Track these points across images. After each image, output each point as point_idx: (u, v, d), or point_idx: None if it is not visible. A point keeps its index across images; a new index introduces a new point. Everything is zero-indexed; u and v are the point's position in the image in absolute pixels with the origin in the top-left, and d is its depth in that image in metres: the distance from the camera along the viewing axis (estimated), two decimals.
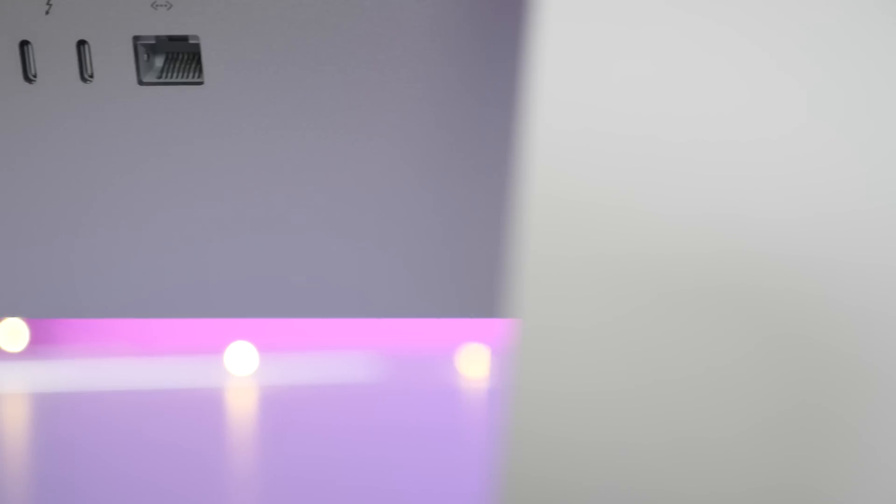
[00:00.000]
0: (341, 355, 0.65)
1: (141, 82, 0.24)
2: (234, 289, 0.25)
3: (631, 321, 0.14)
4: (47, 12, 0.23)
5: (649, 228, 0.14)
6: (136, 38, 0.23)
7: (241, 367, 0.64)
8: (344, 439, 0.60)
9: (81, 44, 0.23)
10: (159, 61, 0.24)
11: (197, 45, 0.23)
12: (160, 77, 0.24)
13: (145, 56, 0.23)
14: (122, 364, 0.64)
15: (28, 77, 0.24)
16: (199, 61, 0.24)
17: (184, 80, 0.24)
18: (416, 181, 0.24)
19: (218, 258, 0.25)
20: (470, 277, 0.24)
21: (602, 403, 0.14)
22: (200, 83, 0.24)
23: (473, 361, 0.65)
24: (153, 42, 0.23)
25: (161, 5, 0.23)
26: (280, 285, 0.25)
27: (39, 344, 0.65)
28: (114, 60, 0.23)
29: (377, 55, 0.23)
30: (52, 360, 0.65)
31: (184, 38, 0.23)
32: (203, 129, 0.24)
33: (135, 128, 0.24)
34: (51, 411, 0.65)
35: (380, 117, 0.24)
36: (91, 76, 0.24)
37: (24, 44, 0.23)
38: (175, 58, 0.24)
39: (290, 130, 0.24)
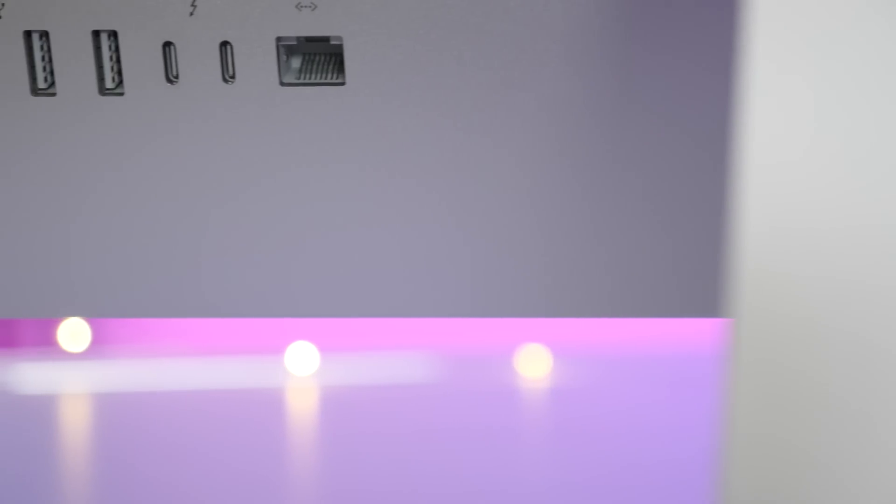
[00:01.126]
0: (401, 355, 0.65)
1: (282, 83, 0.24)
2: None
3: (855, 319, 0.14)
4: (191, 14, 0.23)
5: (870, 229, 0.14)
6: (278, 39, 0.23)
7: (301, 366, 0.64)
8: (404, 440, 0.60)
9: (224, 45, 0.23)
10: (296, 62, 0.24)
11: (337, 46, 0.24)
12: (299, 78, 0.24)
13: (284, 57, 0.24)
14: (182, 364, 0.65)
15: (170, 78, 0.24)
16: (339, 62, 0.24)
17: (325, 80, 0.24)
18: (557, 182, 0.24)
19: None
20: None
21: (829, 405, 0.14)
22: (342, 84, 0.24)
23: (532, 361, 0.65)
24: (293, 43, 0.24)
25: (306, 6, 0.23)
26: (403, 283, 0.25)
27: (101, 344, 0.65)
28: (255, 62, 0.23)
29: (520, 56, 0.23)
30: (113, 360, 0.65)
31: (324, 39, 0.23)
32: (344, 130, 0.24)
33: (276, 128, 0.24)
34: (112, 412, 0.65)
35: (522, 118, 0.24)
36: (232, 77, 0.24)
37: (167, 45, 0.23)
38: (313, 58, 0.24)
39: (430, 132, 0.24)
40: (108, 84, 0.24)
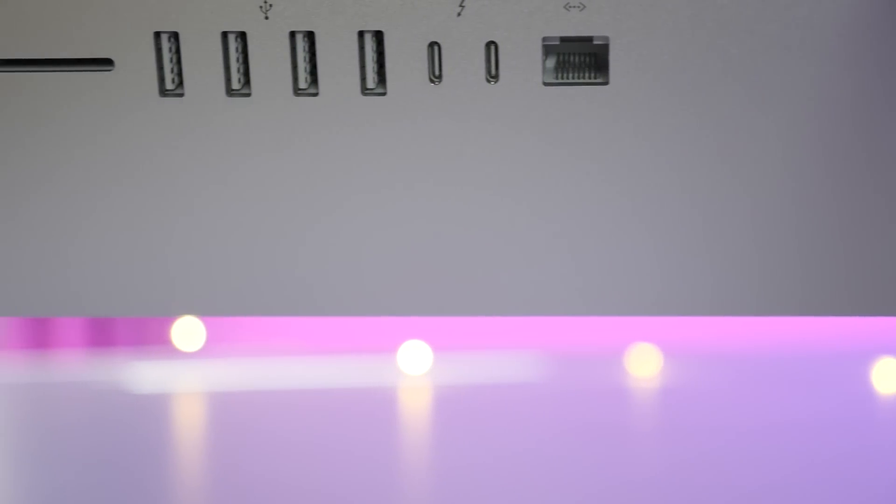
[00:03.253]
0: (513, 354, 0.65)
1: (545, 83, 0.24)
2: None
3: None
4: (459, 14, 0.23)
5: None
6: (544, 39, 0.23)
7: (414, 365, 0.64)
8: (515, 439, 0.60)
9: (490, 45, 0.24)
10: (551, 62, 0.24)
11: (599, 46, 0.24)
12: (558, 77, 0.24)
13: (545, 57, 0.24)
14: (296, 363, 0.65)
15: (432, 77, 0.24)
16: (600, 62, 0.24)
17: (588, 80, 0.24)
18: (816, 184, 0.24)
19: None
20: None
21: None
22: (605, 83, 0.24)
23: (642, 361, 0.65)
24: (556, 43, 0.24)
25: (574, 6, 0.23)
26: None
27: (216, 343, 0.65)
28: (519, 62, 0.24)
29: (787, 58, 0.23)
30: (227, 359, 0.65)
31: (587, 39, 0.24)
32: (607, 130, 0.24)
33: (538, 128, 0.24)
34: (226, 410, 0.65)
35: (786, 122, 0.24)
36: (495, 77, 0.24)
37: (432, 45, 0.24)
38: (567, 58, 0.24)
39: (691, 133, 0.24)
40: (370, 84, 0.24)
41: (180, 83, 0.24)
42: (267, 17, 0.24)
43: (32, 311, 0.26)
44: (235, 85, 0.24)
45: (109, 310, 0.26)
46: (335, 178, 0.25)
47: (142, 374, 0.65)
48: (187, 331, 0.65)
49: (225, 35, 0.24)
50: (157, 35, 0.24)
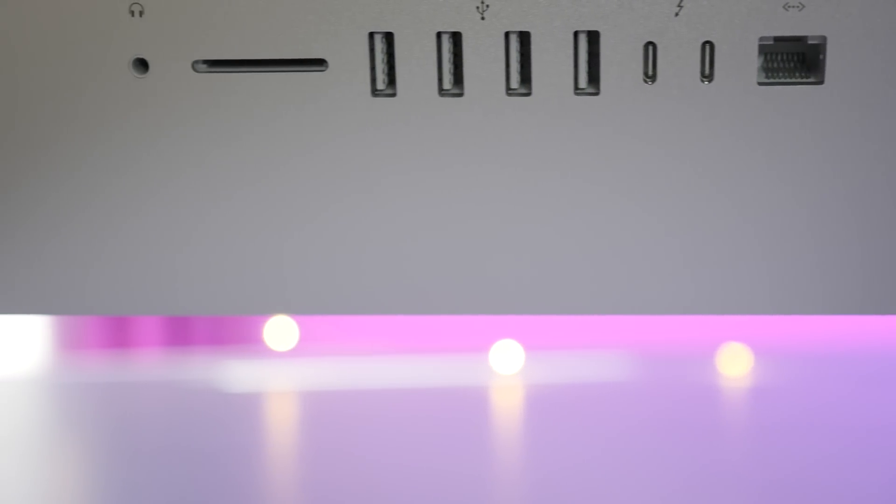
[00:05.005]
0: (605, 353, 0.65)
1: (760, 83, 0.24)
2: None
3: None
4: (677, 14, 0.23)
5: None
6: (760, 39, 0.23)
7: (506, 365, 0.64)
8: (607, 438, 0.60)
9: (705, 44, 0.24)
10: (763, 60, 0.24)
11: (809, 46, 0.24)
12: (770, 77, 0.24)
13: (760, 56, 0.24)
14: (388, 362, 0.65)
15: (646, 77, 0.24)
16: (809, 61, 0.24)
17: (801, 80, 0.24)
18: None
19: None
20: None
21: None
22: (819, 83, 0.24)
23: (733, 360, 0.65)
24: (770, 43, 0.24)
25: (793, 6, 0.23)
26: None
27: (308, 342, 0.65)
28: (734, 62, 0.24)
29: None
30: (319, 358, 0.66)
31: (798, 39, 0.24)
32: (821, 130, 0.24)
33: (752, 128, 0.24)
34: (318, 410, 0.65)
35: None
36: (709, 77, 0.24)
37: (648, 45, 0.24)
38: (774, 57, 0.24)
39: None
40: (581, 84, 0.24)
41: (391, 83, 0.24)
42: (483, 18, 0.24)
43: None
44: (447, 85, 0.24)
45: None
46: (542, 178, 0.25)
47: (234, 373, 0.65)
48: (280, 330, 0.65)
49: (439, 35, 0.24)
50: (371, 35, 0.24)
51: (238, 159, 0.25)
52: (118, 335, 0.74)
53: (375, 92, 0.24)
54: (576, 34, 0.24)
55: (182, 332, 0.66)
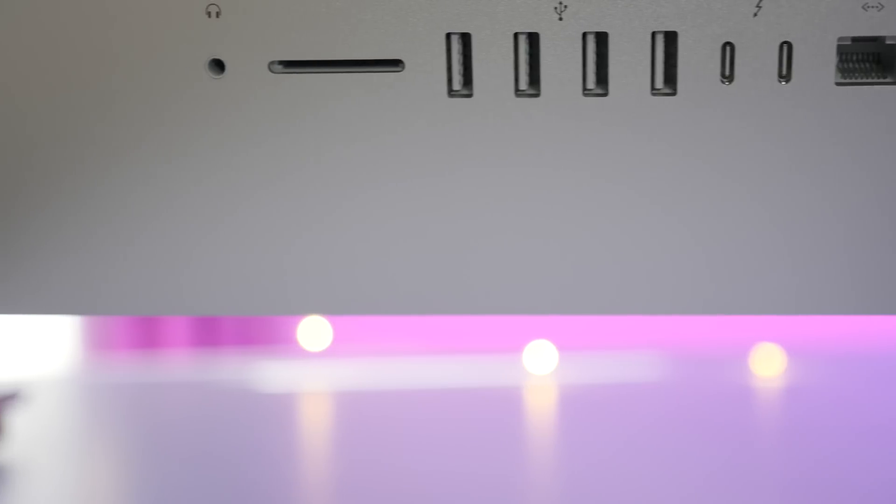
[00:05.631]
0: (638, 353, 0.65)
1: (837, 83, 0.24)
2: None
3: None
4: (755, 14, 0.23)
5: None
6: (838, 39, 0.24)
7: (539, 365, 0.64)
8: (641, 439, 0.60)
9: (783, 45, 0.24)
10: (837, 60, 0.24)
11: (887, 46, 0.24)
12: (846, 77, 0.24)
13: (836, 57, 0.24)
14: (421, 362, 0.65)
15: (723, 77, 0.24)
16: (885, 62, 0.24)
17: (878, 80, 0.24)
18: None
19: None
20: None
21: None
22: (893, 83, 0.24)
23: (766, 360, 0.65)
24: (847, 43, 0.24)
25: (872, 6, 0.23)
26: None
27: (342, 342, 0.66)
28: (812, 62, 0.24)
29: None
30: (353, 358, 0.66)
31: (875, 39, 0.24)
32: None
33: (829, 128, 0.24)
34: (351, 410, 0.65)
35: None
36: (786, 77, 0.24)
37: (726, 45, 0.24)
38: (849, 57, 0.24)
39: None
40: (658, 84, 0.24)
41: (466, 83, 0.25)
42: (561, 18, 0.24)
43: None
44: (523, 86, 0.24)
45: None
46: (616, 178, 0.25)
47: (268, 373, 0.65)
48: (313, 330, 0.65)
49: (516, 36, 0.24)
50: (448, 36, 0.24)
51: (312, 160, 0.25)
52: (148, 336, 0.74)
53: (451, 92, 0.24)
54: (653, 34, 0.24)
55: (215, 333, 0.66)
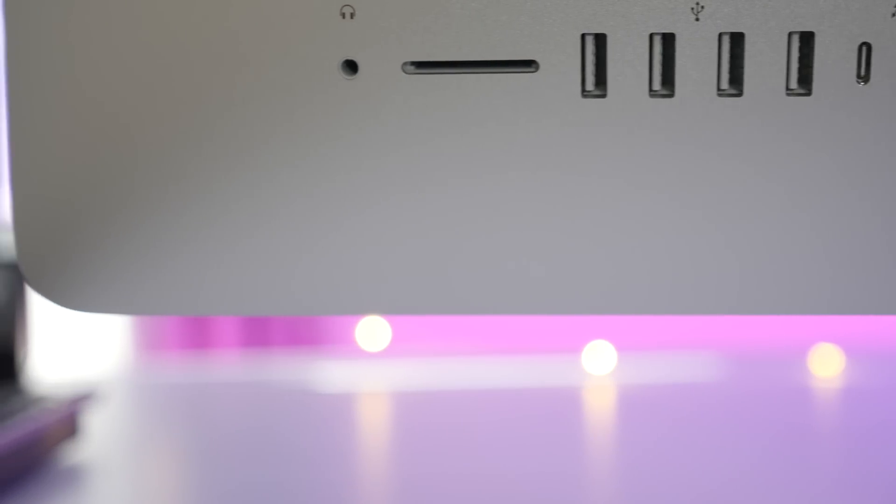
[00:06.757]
0: (697, 354, 0.65)
1: None
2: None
3: None
4: (894, 14, 0.23)
5: None
6: None
7: (598, 365, 0.64)
8: (699, 439, 0.60)
9: None
10: None
11: None
12: None
13: None
14: (480, 363, 0.65)
15: (859, 77, 0.24)
16: None
17: None
18: None
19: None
20: None
21: None
22: None
23: (825, 361, 0.65)
24: None
25: None
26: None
27: (400, 342, 0.66)
28: None
29: None
30: (412, 358, 0.66)
31: None
32: None
33: None
34: (410, 411, 0.66)
35: None
36: None
37: (862, 45, 0.24)
38: None
39: None
40: (792, 84, 0.24)
41: (599, 84, 0.25)
42: (697, 19, 0.24)
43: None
44: (657, 86, 0.24)
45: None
46: (749, 177, 0.25)
47: (327, 374, 0.66)
48: (372, 331, 0.65)
49: (651, 37, 0.24)
50: (583, 37, 0.24)
51: (444, 161, 0.25)
52: (199, 336, 0.74)
53: (585, 93, 0.25)
54: (790, 35, 0.24)
55: (264, 333, 0.66)
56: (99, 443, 0.50)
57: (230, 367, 0.69)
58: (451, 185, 0.25)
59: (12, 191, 0.26)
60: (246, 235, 0.26)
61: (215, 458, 0.51)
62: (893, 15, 0.24)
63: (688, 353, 0.65)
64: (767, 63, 0.24)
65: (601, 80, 0.25)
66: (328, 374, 0.66)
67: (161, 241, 0.26)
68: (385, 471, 0.59)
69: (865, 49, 0.24)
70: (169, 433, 0.58)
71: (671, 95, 0.24)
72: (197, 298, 0.26)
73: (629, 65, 0.24)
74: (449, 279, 0.26)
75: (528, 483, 0.53)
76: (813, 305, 0.25)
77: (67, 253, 0.26)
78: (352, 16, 0.24)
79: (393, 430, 0.65)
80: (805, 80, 0.24)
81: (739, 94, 0.24)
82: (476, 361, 0.65)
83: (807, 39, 0.24)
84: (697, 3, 0.24)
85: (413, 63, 0.25)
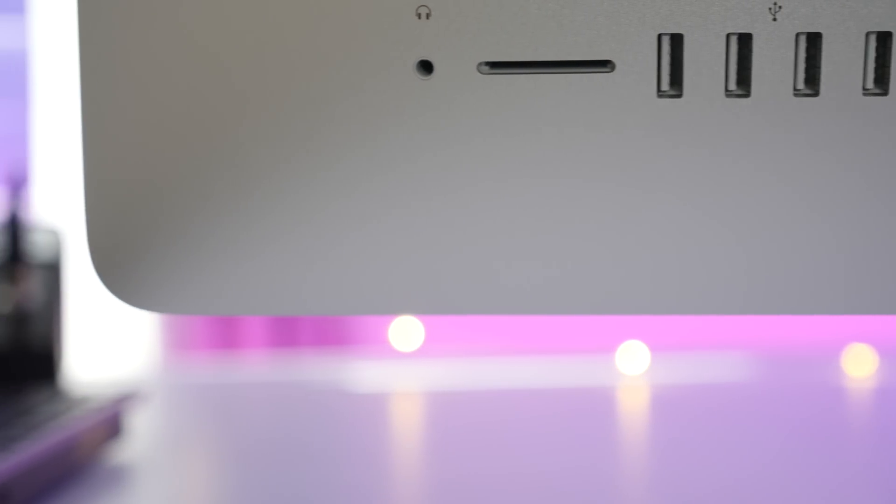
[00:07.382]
0: (731, 353, 0.65)
1: None
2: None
3: None
4: None
5: None
6: None
7: (632, 365, 0.64)
8: (734, 439, 0.60)
9: None
10: None
11: None
12: None
13: None
14: (514, 363, 0.65)
15: None
16: None
17: None
18: None
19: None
20: None
21: None
22: None
23: (858, 361, 0.65)
24: None
25: None
26: None
27: (433, 342, 0.66)
28: None
29: None
30: (444, 358, 0.66)
31: None
32: None
33: None
34: (444, 410, 0.66)
35: None
36: None
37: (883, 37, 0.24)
38: None
39: None
40: (868, 84, 0.24)
41: (674, 83, 0.25)
42: (775, 19, 0.24)
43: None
44: (732, 86, 0.24)
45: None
46: (821, 177, 0.25)
47: (360, 373, 0.66)
48: (405, 331, 0.65)
49: (728, 37, 0.24)
50: (660, 37, 0.24)
51: (519, 161, 0.25)
52: (227, 336, 0.74)
53: (660, 93, 0.25)
54: (867, 35, 0.24)
55: (292, 333, 0.66)
56: (142, 443, 0.50)
57: (261, 367, 0.69)
58: (522, 185, 0.25)
59: (85, 186, 0.26)
60: (338, 236, 0.26)
61: (252, 459, 0.52)
62: None
63: (721, 353, 0.65)
64: (844, 63, 0.24)
65: (676, 80, 0.25)
66: (361, 374, 0.66)
67: (241, 241, 0.26)
68: (419, 471, 0.59)
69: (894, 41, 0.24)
70: (207, 433, 0.58)
71: (747, 95, 0.24)
72: (281, 298, 0.26)
73: (706, 65, 0.24)
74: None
75: (562, 483, 0.53)
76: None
77: (142, 252, 0.26)
78: (427, 16, 0.24)
79: (426, 431, 0.64)
80: (881, 80, 0.24)
81: (815, 95, 0.24)
82: (509, 361, 0.65)
83: (883, 39, 0.24)
84: (775, 3, 0.24)
85: (488, 63, 0.25)
